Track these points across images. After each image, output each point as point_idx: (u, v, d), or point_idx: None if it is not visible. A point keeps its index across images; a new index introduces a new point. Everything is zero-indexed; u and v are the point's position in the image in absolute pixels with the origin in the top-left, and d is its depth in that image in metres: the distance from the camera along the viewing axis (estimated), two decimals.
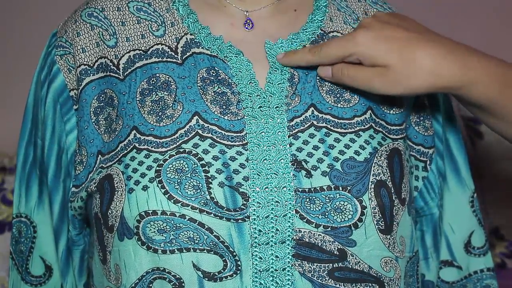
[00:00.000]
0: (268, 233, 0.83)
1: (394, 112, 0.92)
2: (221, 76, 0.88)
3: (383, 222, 0.86)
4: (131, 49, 0.90)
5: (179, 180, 0.83)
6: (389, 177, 0.87)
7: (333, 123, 0.88)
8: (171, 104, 0.87)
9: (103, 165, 0.87)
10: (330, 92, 0.90)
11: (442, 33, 0.86)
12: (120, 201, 0.84)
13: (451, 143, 1.02)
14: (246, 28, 0.92)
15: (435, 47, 0.83)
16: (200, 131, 0.85)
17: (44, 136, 0.93)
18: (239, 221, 0.83)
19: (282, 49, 0.90)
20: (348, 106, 0.89)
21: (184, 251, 0.82)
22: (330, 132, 0.87)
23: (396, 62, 0.82)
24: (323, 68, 0.88)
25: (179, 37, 0.90)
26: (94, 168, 0.88)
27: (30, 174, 0.96)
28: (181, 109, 0.86)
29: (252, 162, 0.84)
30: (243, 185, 0.83)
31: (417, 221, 1.01)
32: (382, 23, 0.86)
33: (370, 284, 0.86)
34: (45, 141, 0.93)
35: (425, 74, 0.82)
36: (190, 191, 0.82)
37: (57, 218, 0.95)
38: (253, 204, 0.83)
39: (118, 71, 0.89)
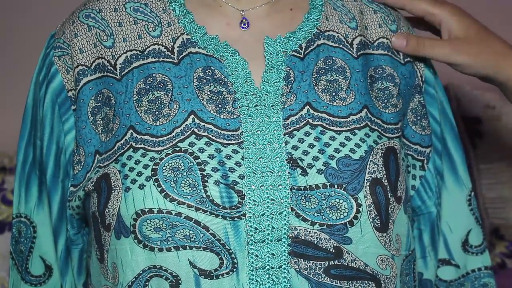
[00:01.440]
0: (264, 231, 0.84)
1: (389, 111, 0.93)
2: (217, 76, 0.89)
3: (378, 220, 0.86)
4: (128, 49, 0.90)
5: (175, 179, 0.83)
6: (385, 175, 0.87)
7: (328, 122, 0.88)
8: (168, 104, 0.87)
9: (101, 164, 0.88)
10: (325, 91, 0.90)
11: None
12: (117, 200, 0.85)
13: (448, 142, 1.02)
14: (242, 27, 0.92)
15: (503, 42, 0.98)
16: (196, 130, 0.86)
17: (42, 136, 0.94)
18: (235, 219, 0.83)
19: (280, 46, 0.90)
20: (344, 104, 0.90)
21: (180, 249, 0.83)
22: (326, 130, 0.87)
23: (473, 37, 0.96)
24: (399, 39, 0.96)
25: (176, 37, 0.91)
26: (92, 168, 0.89)
27: (30, 175, 0.96)
28: (177, 108, 0.87)
29: (248, 160, 0.85)
30: (238, 183, 0.84)
31: (415, 220, 1.01)
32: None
33: (366, 282, 0.86)
34: (44, 141, 0.93)
35: (493, 56, 0.97)
36: (186, 189, 0.83)
37: (56, 217, 0.95)
38: (249, 202, 0.83)
39: (115, 71, 0.90)
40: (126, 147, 0.86)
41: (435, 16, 0.98)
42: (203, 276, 0.83)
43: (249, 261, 0.83)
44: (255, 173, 0.84)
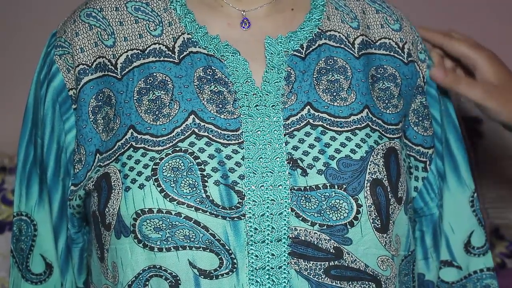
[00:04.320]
0: (264, 231, 0.84)
1: (390, 112, 0.93)
2: (218, 75, 0.89)
3: (379, 221, 0.86)
4: (129, 48, 0.90)
5: (175, 179, 0.83)
6: (386, 176, 0.87)
7: (329, 122, 0.88)
8: (168, 103, 0.87)
9: (101, 163, 0.88)
10: (326, 91, 0.90)
11: None
12: (117, 199, 0.85)
13: (451, 143, 1.02)
14: (243, 27, 0.92)
15: None
16: (196, 130, 0.86)
17: (43, 135, 0.94)
18: (235, 219, 0.83)
19: (281, 46, 0.90)
20: (345, 104, 0.90)
21: (180, 249, 0.83)
22: (326, 131, 0.87)
23: (505, 86, 1.00)
24: (439, 71, 0.99)
25: (176, 37, 0.91)
26: (92, 167, 0.89)
27: (31, 173, 0.96)
28: (178, 108, 0.87)
29: (248, 160, 0.85)
30: (238, 183, 0.84)
31: (417, 221, 1.01)
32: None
33: (366, 283, 0.86)
34: (45, 140, 0.94)
35: None
36: (186, 189, 0.83)
37: (56, 216, 0.96)
38: (249, 202, 0.83)
39: (116, 71, 0.90)
40: (127, 147, 0.86)
41: (471, 59, 1.01)
42: (202, 276, 0.83)
43: (249, 262, 0.83)
44: (255, 174, 0.84)
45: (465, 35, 1.04)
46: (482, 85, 1.00)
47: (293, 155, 0.86)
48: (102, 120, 0.89)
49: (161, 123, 0.86)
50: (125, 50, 0.90)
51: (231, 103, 0.87)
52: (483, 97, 1.00)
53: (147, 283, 0.84)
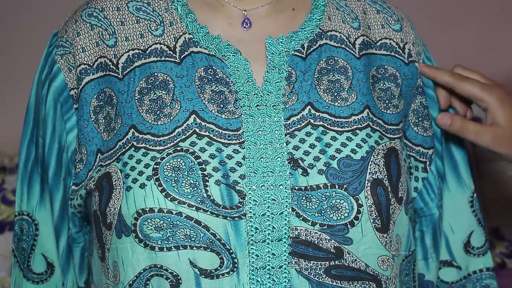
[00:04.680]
0: (264, 231, 0.84)
1: (391, 112, 0.93)
2: (219, 75, 0.89)
3: (379, 221, 0.86)
4: (130, 48, 0.91)
5: (176, 178, 0.83)
6: (386, 176, 0.88)
7: (330, 122, 0.88)
8: (169, 103, 0.87)
9: (102, 163, 0.88)
10: (327, 91, 0.90)
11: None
12: (118, 199, 0.85)
13: (451, 143, 1.02)
14: (244, 27, 0.92)
15: None
16: (197, 130, 0.86)
17: (45, 134, 0.94)
18: (236, 219, 0.83)
19: (282, 46, 0.91)
20: (346, 104, 0.90)
21: (181, 248, 0.83)
22: (327, 131, 0.88)
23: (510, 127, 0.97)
24: (444, 118, 0.97)
25: (178, 37, 0.91)
26: (94, 167, 0.89)
27: (32, 173, 0.96)
28: (179, 107, 0.87)
29: (249, 160, 0.85)
30: (239, 183, 0.84)
31: (417, 222, 1.01)
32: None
33: (367, 282, 0.86)
34: (46, 139, 0.94)
35: None
36: (187, 189, 0.83)
37: (57, 216, 0.96)
38: (250, 202, 0.83)
39: (117, 70, 0.90)
40: (128, 146, 0.86)
41: (482, 102, 0.97)
42: (203, 276, 0.83)
43: (249, 261, 0.84)
44: (256, 173, 0.84)
45: (471, 70, 1.01)
46: (490, 130, 0.97)
47: (294, 155, 0.86)
48: (103, 120, 0.90)
49: (162, 122, 0.86)
50: (127, 50, 0.91)
51: (232, 103, 0.88)
52: (491, 143, 0.97)
53: (148, 282, 0.84)
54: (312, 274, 0.84)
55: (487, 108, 0.98)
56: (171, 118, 0.87)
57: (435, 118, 0.98)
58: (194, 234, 0.83)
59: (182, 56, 0.90)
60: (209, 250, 0.83)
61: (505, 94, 0.99)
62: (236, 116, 0.87)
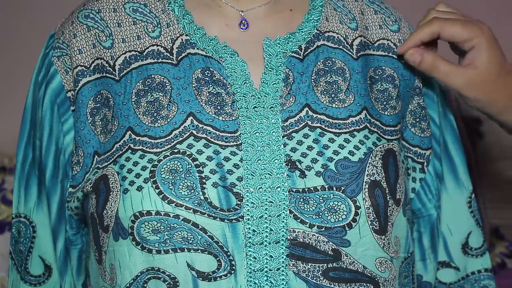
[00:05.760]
0: (262, 233, 0.83)
1: (389, 113, 0.93)
2: (216, 77, 0.89)
3: (377, 223, 0.86)
4: (127, 50, 0.90)
5: (173, 181, 0.83)
6: (384, 178, 0.87)
7: (327, 123, 0.88)
8: (166, 105, 0.87)
9: (99, 165, 0.88)
10: (325, 93, 0.90)
11: None
12: (115, 201, 0.85)
13: (449, 144, 1.02)
14: (241, 28, 0.92)
15: None
16: (194, 132, 0.85)
17: (42, 136, 0.94)
18: (233, 221, 0.83)
19: (279, 47, 0.90)
20: (343, 106, 0.90)
21: (178, 251, 0.83)
22: (325, 133, 0.87)
23: (492, 73, 0.91)
24: (415, 54, 0.91)
25: (175, 38, 0.91)
26: (91, 169, 0.89)
27: (29, 175, 0.96)
28: (176, 109, 0.87)
29: (246, 162, 0.85)
30: (237, 185, 0.83)
31: (415, 222, 1.01)
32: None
33: (365, 284, 0.86)
34: (43, 141, 0.93)
35: (505, 98, 0.92)
36: (184, 191, 0.83)
37: (55, 218, 0.96)
38: (247, 204, 0.83)
39: (114, 72, 0.90)
40: (125, 149, 0.86)
41: (469, 41, 0.90)
42: (201, 278, 0.83)
43: (247, 263, 0.83)
44: (253, 175, 0.84)
45: (451, 11, 0.93)
46: (463, 73, 0.91)
47: (292, 156, 0.86)
48: (100, 122, 0.89)
49: (159, 125, 0.86)
50: (123, 52, 0.90)
51: (230, 104, 0.87)
52: (462, 86, 0.91)
53: (145, 285, 0.84)
54: (310, 276, 0.84)
55: (472, 47, 0.90)
56: (168, 120, 0.86)
57: (406, 55, 0.93)
58: (192, 236, 0.83)
59: (179, 58, 0.89)
60: (206, 252, 0.83)
61: (493, 36, 0.92)
62: (233, 118, 0.87)
